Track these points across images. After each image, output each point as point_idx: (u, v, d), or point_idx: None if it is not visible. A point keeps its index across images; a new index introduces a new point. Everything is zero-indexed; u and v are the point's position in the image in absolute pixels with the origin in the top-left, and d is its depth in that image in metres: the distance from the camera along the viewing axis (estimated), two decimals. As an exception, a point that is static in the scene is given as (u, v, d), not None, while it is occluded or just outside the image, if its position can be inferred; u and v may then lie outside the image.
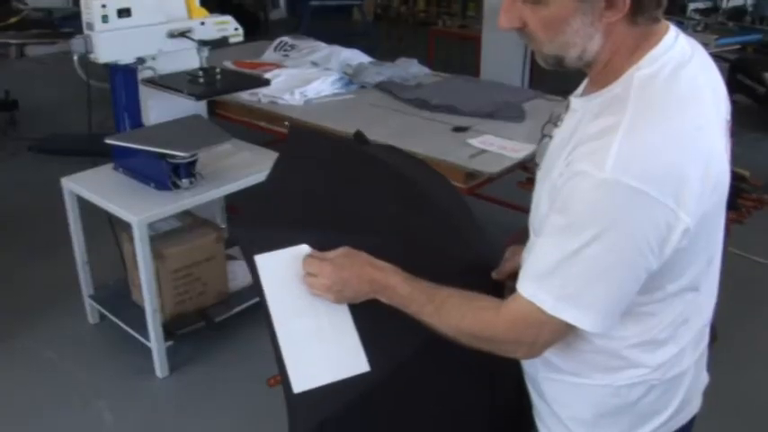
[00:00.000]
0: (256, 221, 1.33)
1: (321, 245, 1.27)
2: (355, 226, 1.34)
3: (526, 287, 1.11)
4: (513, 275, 1.32)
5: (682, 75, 1.06)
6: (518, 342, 1.14)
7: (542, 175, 1.19)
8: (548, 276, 1.07)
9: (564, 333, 1.12)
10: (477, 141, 2.91)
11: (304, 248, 1.27)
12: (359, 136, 1.63)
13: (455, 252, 1.42)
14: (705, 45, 1.29)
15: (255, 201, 1.44)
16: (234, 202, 3.27)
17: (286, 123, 3.18)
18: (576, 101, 1.17)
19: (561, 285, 1.06)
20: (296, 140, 1.56)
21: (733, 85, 5.20)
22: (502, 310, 1.14)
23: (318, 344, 1.23)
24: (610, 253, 1.02)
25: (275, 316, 1.23)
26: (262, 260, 1.25)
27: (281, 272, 1.24)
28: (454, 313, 1.17)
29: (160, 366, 2.76)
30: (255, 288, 1.24)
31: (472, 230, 1.56)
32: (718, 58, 3.29)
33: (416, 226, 1.42)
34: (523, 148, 2.83)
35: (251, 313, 2.94)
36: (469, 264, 1.42)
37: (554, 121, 1.23)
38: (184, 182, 2.64)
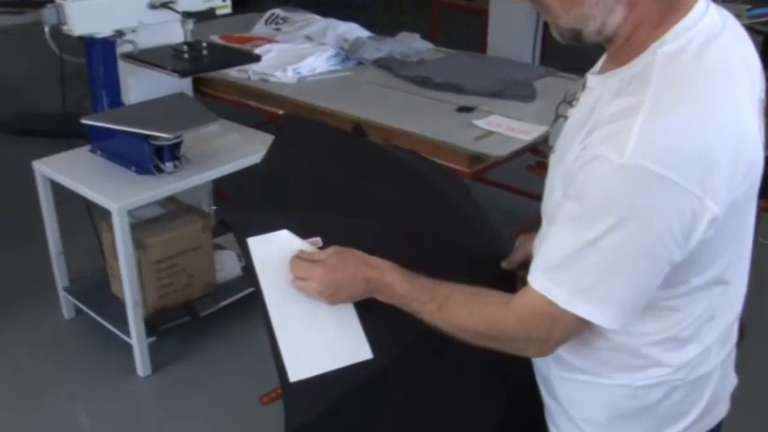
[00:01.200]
0: (250, 203, 1.35)
1: (318, 228, 1.29)
2: (356, 211, 1.36)
3: (538, 280, 1.11)
4: (525, 265, 1.37)
5: (711, 49, 1.04)
6: (529, 339, 1.14)
7: (556, 159, 1.19)
8: (561, 268, 1.07)
9: (579, 329, 1.12)
10: (483, 122, 2.91)
11: (297, 239, 1.28)
12: (358, 130, 1.66)
13: (462, 240, 1.44)
14: (737, 16, 1.27)
15: (249, 182, 1.48)
16: (222, 188, 3.27)
17: (281, 113, 3.18)
18: (593, 78, 1.16)
19: (576, 278, 1.06)
20: (292, 125, 1.59)
21: None
22: (511, 306, 1.14)
23: (316, 329, 1.25)
24: (628, 244, 1.02)
25: (270, 300, 1.24)
26: (255, 243, 1.26)
27: (276, 254, 1.26)
28: (459, 311, 1.17)
29: (141, 365, 2.75)
30: (248, 272, 1.27)
31: (480, 218, 1.59)
32: (751, 30, 3.24)
33: (422, 213, 1.45)
34: (533, 129, 2.83)
35: (240, 307, 2.94)
36: (478, 253, 1.43)
37: (569, 100, 1.23)
38: (168, 165, 2.63)
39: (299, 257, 1.26)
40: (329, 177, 1.44)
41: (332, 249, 1.26)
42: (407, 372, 1.30)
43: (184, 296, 2.88)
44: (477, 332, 1.17)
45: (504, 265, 1.44)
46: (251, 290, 2.85)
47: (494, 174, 3.19)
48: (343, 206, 1.39)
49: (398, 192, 1.48)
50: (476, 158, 2.70)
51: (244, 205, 1.35)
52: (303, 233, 1.31)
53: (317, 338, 1.25)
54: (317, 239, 1.31)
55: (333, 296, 1.24)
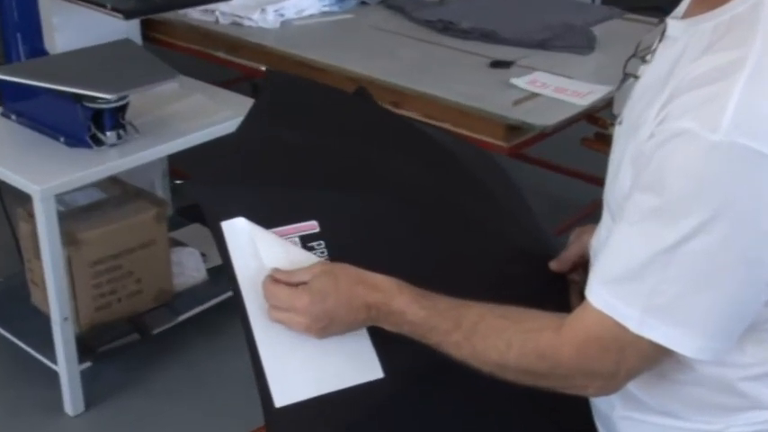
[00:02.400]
0: (225, 177, 1.38)
1: (313, 210, 1.34)
2: (362, 189, 1.41)
3: (600, 295, 1.12)
4: (580, 266, 1.45)
5: None
6: (591, 374, 1.15)
7: (623, 132, 1.20)
8: (632, 280, 1.08)
9: (655, 359, 1.13)
10: (524, 81, 2.91)
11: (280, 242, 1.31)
12: (361, 93, 1.69)
13: (497, 233, 1.48)
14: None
15: (222, 155, 1.51)
16: (181, 165, 3.27)
17: (261, 68, 3.20)
18: (675, 25, 1.16)
19: (652, 293, 1.07)
20: (276, 84, 1.63)
21: None
22: (565, 331, 1.15)
23: (311, 341, 1.28)
24: (723, 247, 1.03)
25: (250, 303, 1.27)
26: (230, 227, 1.29)
27: (259, 241, 1.29)
28: (494, 341, 1.19)
29: (71, 400, 2.73)
30: (215, 274, 1.28)
31: (520, 206, 1.65)
32: None
33: (451, 195, 1.50)
34: (592, 91, 2.82)
35: (206, 321, 2.95)
36: (517, 249, 1.48)
37: (642, 54, 1.24)
38: (110, 136, 2.61)
39: (275, 279, 1.27)
40: (326, 147, 1.48)
41: (318, 267, 1.27)
42: (427, 398, 1.32)
43: (131, 308, 2.87)
44: (520, 368, 1.18)
45: (552, 266, 1.46)
46: (220, 299, 2.93)
47: (538, 150, 3.19)
48: (346, 183, 1.42)
49: (416, 167, 1.52)
50: (514, 129, 2.70)
51: (217, 179, 1.38)
52: (295, 215, 1.34)
53: (312, 353, 1.28)
54: (313, 224, 1.34)
55: (324, 330, 1.25)
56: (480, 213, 1.53)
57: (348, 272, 1.26)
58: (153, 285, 2.91)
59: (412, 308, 1.22)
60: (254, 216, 1.34)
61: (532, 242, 1.55)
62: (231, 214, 1.32)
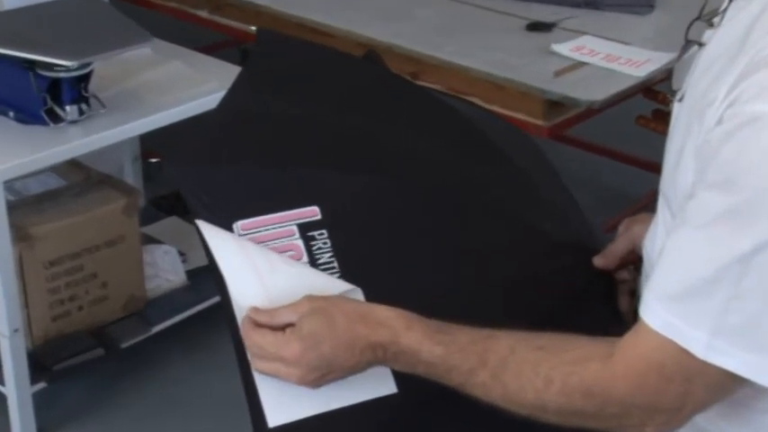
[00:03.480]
0: (209, 155, 1.42)
1: (314, 193, 1.38)
2: (372, 167, 1.45)
3: (658, 314, 1.12)
4: (628, 262, 1.49)
5: None
6: (650, 410, 1.15)
7: (685, 112, 1.20)
8: (698, 296, 1.09)
9: (728, 389, 1.14)
10: (568, 48, 2.92)
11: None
12: (372, 58, 1.72)
13: (536, 221, 1.51)
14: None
15: (207, 127, 1.55)
16: (156, 147, 3.30)
17: (251, 29, 3.20)
18: None
19: (722, 311, 1.07)
20: (269, 47, 1.66)
21: None
22: (616, 360, 1.16)
23: None
24: None
25: (240, 309, 1.29)
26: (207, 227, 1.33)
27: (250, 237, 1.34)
28: (529, 378, 1.19)
29: (22, 427, 2.72)
30: (209, 266, 1.32)
31: (561, 196, 1.67)
32: None
33: (477, 179, 1.52)
34: (650, 59, 2.82)
35: (184, 333, 2.96)
36: (559, 243, 1.50)
37: (708, 16, 1.24)
38: (69, 111, 2.60)
39: (255, 321, 1.26)
40: (329, 121, 1.51)
41: (306, 305, 1.25)
42: (443, 415, 1.34)
43: (95, 317, 2.87)
44: (564, 409, 1.18)
45: (597, 262, 1.49)
46: (202, 307, 2.94)
47: (583, 130, 3.21)
48: (353, 163, 1.46)
49: (437, 145, 1.55)
50: (555, 106, 2.71)
51: (200, 158, 1.41)
52: (293, 199, 1.37)
53: None
54: (313, 210, 1.37)
55: (322, 378, 1.25)
56: (511, 200, 1.55)
57: (344, 308, 1.25)
58: (121, 290, 2.90)
59: (426, 345, 1.22)
60: (246, 200, 1.37)
61: (573, 236, 1.57)
62: (218, 200, 1.35)
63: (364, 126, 1.52)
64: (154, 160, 3.32)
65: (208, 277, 1.33)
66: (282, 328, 1.25)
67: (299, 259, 1.36)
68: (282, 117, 1.49)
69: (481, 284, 1.40)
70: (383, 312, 1.25)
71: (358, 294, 1.32)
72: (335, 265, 1.37)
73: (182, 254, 3.07)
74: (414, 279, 1.40)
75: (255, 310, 1.28)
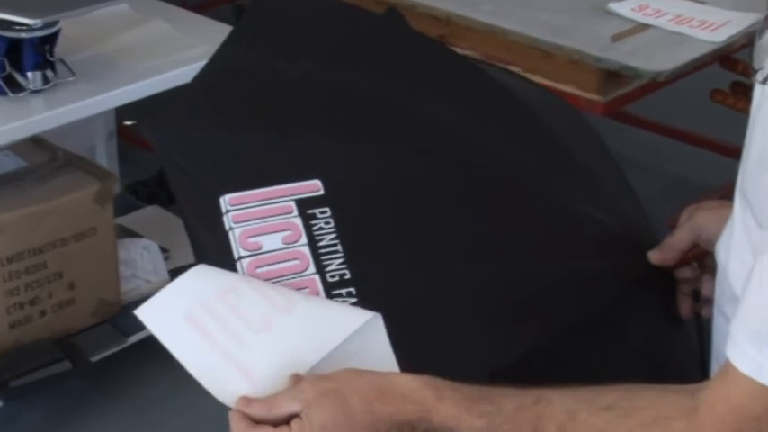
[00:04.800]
0: (196, 119, 1.45)
1: (316, 163, 1.40)
2: (388, 138, 1.47)
3: (749, 356, 1.11)
4: (691, 258, 1.49)
5: None
6: None
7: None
8: None
9: None
10: (629, 7, 2.94)
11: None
12: (392, 18, 1.73)
13: (582, 209, 1.52)
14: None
15: (193, 90, 1.57)
16: (133, 123, 3.34)
17: None
18: None
19: None
20: (272, 2, 1.70)
21: None
22: (702, 415, 1.15)
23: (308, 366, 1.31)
24: None
25: (223, 399, 1.29)
26: (149, 311, 1.36)
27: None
28: None
29: (-30, 454, 2.77)
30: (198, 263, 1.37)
31: (615, 182, 1.69)
32: None
33: (511, 155, 1.54)
34: (728, 21, 2.82)
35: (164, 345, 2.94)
36: (608, 235, 1.52)
37: None
38: (32, 78, 2.63)
39: (248, 416, 1.24)
40: (337, 84, 1.53)
41: (311, 388, 1.23)
42: None
43: (60, 325, 2.88)
44: None
45: (653, 257, 1.49)
46: None
47: (646, 106, 3.22)
48: (363, 132, 1.48)
49: (463, 115, 1.56)
50: (613, 77, 2.75)
51: (184, 122, 1.45)
52: (291, 172, 1.39)
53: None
54: (315, 184, 1.39)
55: None
56: (554, 184, 1.55)
57: (357, 385, 1.23)
58: (91, 293, 2.91)
59: (464, 418, 1.21)
60: (235, 171, 1.39)
61: (628, 229, 1.57)
62: (202, 169, 1.37)
63: (380, 92, 1.54)
64: (129, 123, 3.32)
65: None
66: (286, 420, 1.24)
67: (296, 240, 1.36)
68: (282, 78, 1.51)
69: (512, 279, 1.40)
70: (405, 383, 1.24)
71: (377, 325, 1.32)
72: (339, 248, 1.37)
73: (164, 250, 3.08)
74: (431, 269, 1.40)
75: (245, 400, 1.26)
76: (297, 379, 1.25)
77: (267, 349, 1.31)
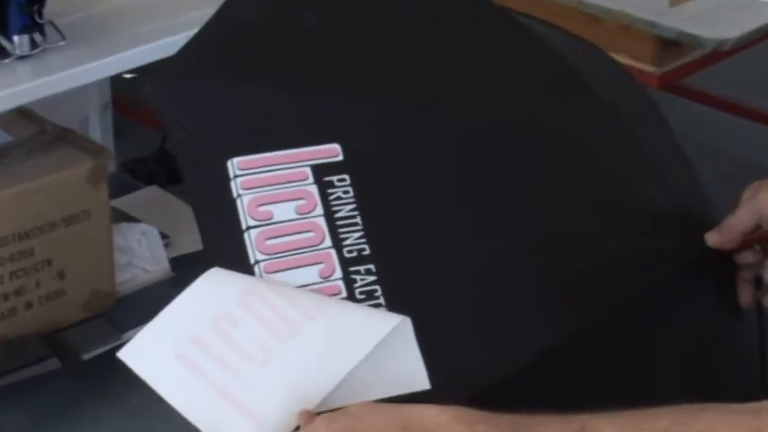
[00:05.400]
0: (202, 73, 1.46)
1: (331, 124, 1.40)
2: (420, 99, 1.46)
3: None
4: (753, 241, 1.47)
5: None
6: None
7: None
8: None
9: None
10: None
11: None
12: None
13: (635, 184, 1.51)
14: None
15: (195, 41, 1.56)
16: (130, 93, 3.34)
17: None
18: None
19: None
20: None
21: None
22: None
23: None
24: None
25: None
26: (133, 354, 1.34)
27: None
28: None
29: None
30: (204, 252, 1.36)
31: (674, 154, 1.69)
32: None
33: (556, 120, 1.54)
34: None
35: None
36: (666, 215, 1.50)
37: None
38: (18, 42, 2.64)
39: None
40: (361, 37, 1.54)
41: (324, 427, 1.18)
42: None
43: (48, 318, 2.89)
44: None
45: (711, 239, 1.46)
46: None
47: (706, 79, 3.23)
48: (390, 91, 1.47)
49: (500, 74, 1.56)
50: (670, 45, 2.77)
51: (189, 77, 1.46)
52: (307, 134, 1.39)
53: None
54: (334, 148, 1.38)
55: None
56: (599, 150, 1.55)
57: (378, 421, 1.18)
58: (83, 283, 2.91)
59: None
60: (245, 131, 1.40)
61: (683, 207, 1.55)
62: (208, 129, 1.38)
63: (409, 47, 1.53)
64: (128, 76, 3.29)
65: (199, 268, 1.34)
66: None
67: (310, 210, 1.35)
68: (299, 30, 1.52)
69: (552, 259, 1.38)
70: (434, 417, 1.19)
71: (406, 328, 1.30)
72: (358, 221, 1.35)
73: (164, 236, 3.07)
74: (462, 248, 1.38)
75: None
76: (307, 417, 1.22)
77: (270, 383, 1.29)
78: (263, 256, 1.35)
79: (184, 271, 2.97)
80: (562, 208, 1.44)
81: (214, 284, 1.35)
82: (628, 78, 1.84)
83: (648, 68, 2.68)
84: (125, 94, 3.41)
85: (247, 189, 1.36)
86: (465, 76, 1.52)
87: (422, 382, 1.31)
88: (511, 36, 1.66)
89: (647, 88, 1.73)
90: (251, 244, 1.35)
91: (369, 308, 1.33)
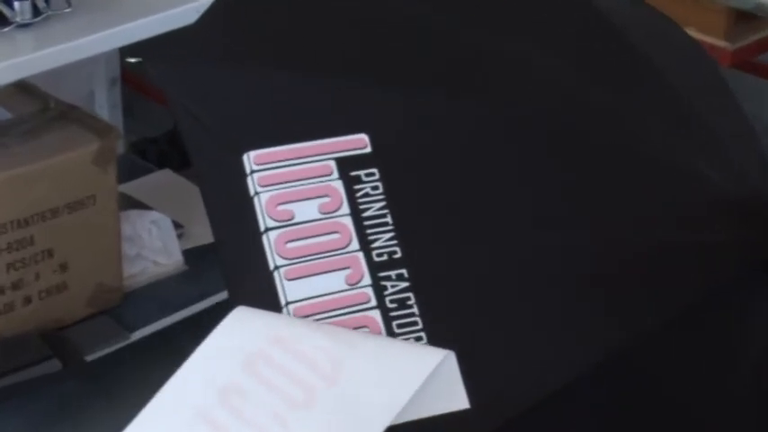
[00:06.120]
0: (217, 55, 1.49)
1: (367, 114, 1.42)
2: (457, 85, 1.48)
3: None
4: None
5: None
6: None
7: None
8: None
9: None
10: None
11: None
12: None
13: (697, 171, 1.52)
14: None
15: (206, 18, 1.59)
16: (138, 62, 3.24)
17: None
18: None
19: None
20: None
21: None
22: None
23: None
24: None
25: None
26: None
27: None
28: None
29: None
30: (216, 245, 1.39)
31: (749, 144, 1.69)
32: None
33: (617, 103, 1.55)
34: None
35: (177, 341, 2.93)
36: (730, 205, 1.51)
37: None
38: (19, 9, 2.65)
39: None
40: (392, 17, 1.55)
41: None
42: None
43: (49, 314, 2.90)
44: None
45: None
46: (205, 304, 2.96)
47: None
48: (424, 76, 1.48)
49: (546, 52, 1.57)
50: (744, 18, 2.75)
51: (195, 54, 1.49)
52: (333, 123, 1.41)
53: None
54: (361, 139, 1.40)
55: None
56: (659, 133, 1.55)
57: None
58: (88, 276, 2.92)
59: None
60: (262, 121, 1.42)
61: (751, 196, 1.54)
62: (221, 118, 1.40)
63: (445, 30, 1.53)
64: (133, 60, 3.30)
65: (214, 261, 1.31)
66: None
67: (335, 209, 1.36)
68: (323, 8, 1.54)
69: (607, 257, 1.39)
70: None
71: (450, 363, 1.30)
72: (388, 220, 1.36)
73: (178, 225, 3.08)
74: (503, 246, 1.39)
75: None
76: None
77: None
78: (284, 261, 1.34)
79: (199, 264, 3.00)
80: (619, 199, 1.45)
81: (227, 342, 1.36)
82: (697, 52, 1.82)
83: (720, 44, 2.70)
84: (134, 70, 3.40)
85: (265, 186, 1.37)
86: (505, 59, 1.53)
87: (461, 401, 1.31)
88: (564, 12, 1.66)
89: (718, 65, 1.72)
90: (270, 247, 1.35)
91: (407, 344, 1.32)
